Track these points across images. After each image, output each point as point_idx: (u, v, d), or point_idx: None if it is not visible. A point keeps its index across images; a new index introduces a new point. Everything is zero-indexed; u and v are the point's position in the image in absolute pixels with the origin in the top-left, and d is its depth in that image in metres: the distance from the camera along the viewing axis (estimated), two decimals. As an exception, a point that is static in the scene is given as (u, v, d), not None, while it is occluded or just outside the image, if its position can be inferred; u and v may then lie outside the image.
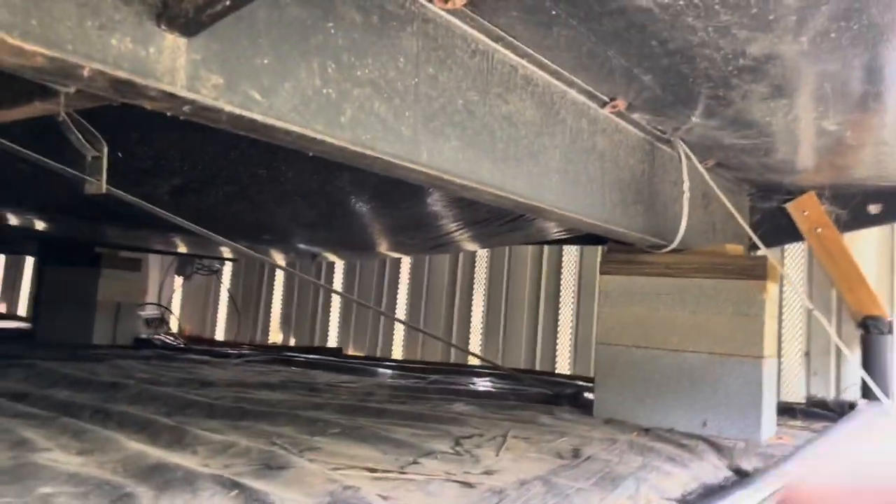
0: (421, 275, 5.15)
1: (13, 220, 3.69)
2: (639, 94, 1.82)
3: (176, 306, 6.30)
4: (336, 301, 5.56)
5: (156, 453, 1.70)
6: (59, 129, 1.22)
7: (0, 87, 1.17)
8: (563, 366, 4.41)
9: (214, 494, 1.41)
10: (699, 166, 2.31)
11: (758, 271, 2.49)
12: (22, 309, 7.48)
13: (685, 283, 2.59)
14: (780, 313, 3.51)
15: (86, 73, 0.84)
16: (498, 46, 1.51)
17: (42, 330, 4.85)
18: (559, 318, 4.49)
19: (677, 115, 2.00)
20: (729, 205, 2.38)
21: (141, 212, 1.87)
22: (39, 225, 3.86)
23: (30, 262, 7.36)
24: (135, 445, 1.79)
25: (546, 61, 1.61)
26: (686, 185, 2.25)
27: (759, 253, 2.58)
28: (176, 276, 6.14)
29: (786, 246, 3.60)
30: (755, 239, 2.52)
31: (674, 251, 2.44)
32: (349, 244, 4.15)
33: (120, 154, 1.62)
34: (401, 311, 5.18)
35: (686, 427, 2.47)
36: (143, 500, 1.36)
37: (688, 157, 2.26)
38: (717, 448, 2.20)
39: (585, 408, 2.80)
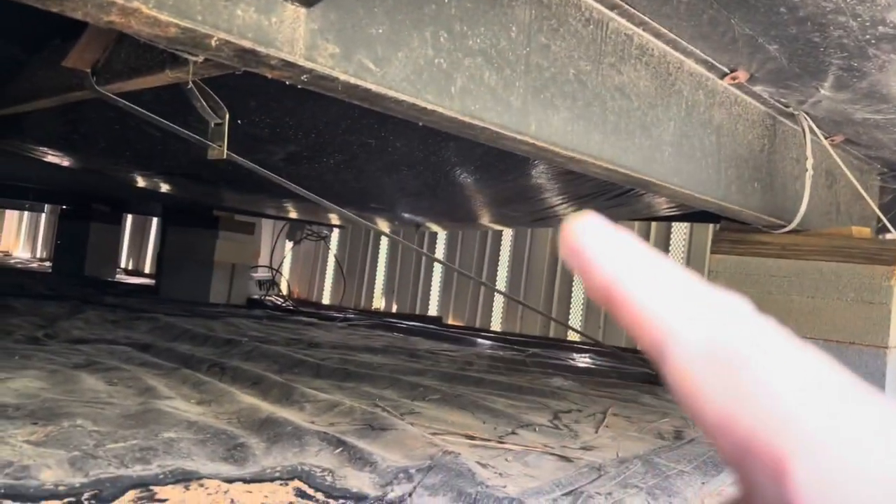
0: (522, 248, 5.13)
1: (141, 182, 3.95)
2: (762, 65, 1.73)
3: (286, 270, 6.58)
4: (437, 270, 5.64)
5: (267, 408, 1.79)
6: (184, 97, 1.28)
7: (135, 57, 1.25)
8: (667, 346, 4.30)
9: (321, 450, 1.47)
10: (825, 142, 2.17)
11: (886, 256, 2.32)
12: (147, 266, 8.03)
13: (803, 266, 2.46)
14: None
15: (213, 42, 0.87)
16: (613, 14, 1.46)
17: (165, 286, 5.18)
18: (664, 296, 4.37)
19: (804, 88, 1.88)
20: (857, 184, 2.23)
21: (256, 177, 1.95)
22: (164, 188, 4.11)
23: (155, 222, 7.88)
24: (248, 399, 1.89)
25: (663, 30, 1.55)
26: (810, 163, 2.12)
27: (889, 236, 2.41)
28: (287, 241, 6.39)
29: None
30: (885, 221, 2.36)
31: (792, 232, 2.31)
32: (452, 215, 4.18)
33: (239, 122, 1.70)
34: (501, 284, 5.20)
35: (797, 416, 2.35)
36: (256, 451, 1.44)
37: (812, 133, 2.12)
38: (831, 440, 2.09)
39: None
